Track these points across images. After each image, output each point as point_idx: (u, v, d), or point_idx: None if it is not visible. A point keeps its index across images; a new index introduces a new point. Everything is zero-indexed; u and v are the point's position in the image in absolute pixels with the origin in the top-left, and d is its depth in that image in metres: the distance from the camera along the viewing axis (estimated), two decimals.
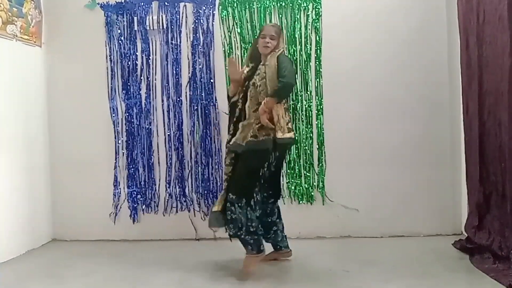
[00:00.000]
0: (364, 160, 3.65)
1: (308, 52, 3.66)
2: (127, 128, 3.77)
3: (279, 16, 3.66)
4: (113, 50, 3.77)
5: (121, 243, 3.70)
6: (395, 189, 3.64)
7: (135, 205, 3.76)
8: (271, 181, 2.95)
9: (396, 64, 3.63)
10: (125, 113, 3.77)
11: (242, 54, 3.67)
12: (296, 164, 3.69)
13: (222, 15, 3.71)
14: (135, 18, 3.73)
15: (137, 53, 3.76)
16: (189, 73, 3.74)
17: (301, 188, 3.68)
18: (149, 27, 3.72)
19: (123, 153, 3.78)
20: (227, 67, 3.06)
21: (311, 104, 3.67)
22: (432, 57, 3.63)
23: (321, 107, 3.67)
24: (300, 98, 3.66)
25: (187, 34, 3.74)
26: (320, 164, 3.68)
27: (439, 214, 3.63)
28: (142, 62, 3.76)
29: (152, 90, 3.76)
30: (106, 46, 3.77)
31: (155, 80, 3.76)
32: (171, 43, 3.74)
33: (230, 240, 2.92)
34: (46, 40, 3.81)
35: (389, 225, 3.63)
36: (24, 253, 3.45)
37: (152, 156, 3.76)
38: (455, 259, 3.04)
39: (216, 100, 3.72)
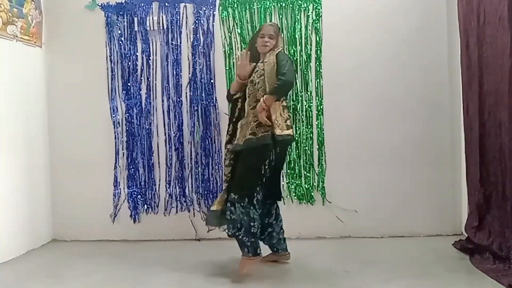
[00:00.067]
0: (364, 160, 3.65)
1: (309, 52, 3.66)
2: (127, 128, 3.77)
3: (279, 16, 3.67)
4: (114, 51, 3.77)
5: (121, 243, 3.70)
6: (395, 189, 3.64)
7: (135, 205, 3.76)
8: (270, 181, 2.93)
9: (396, 64, 3.63)
10: (125, 113, 3.77)
11: None
12: (296, 165, 3.69)
13: (222, 16, 3.71)
14: (136, 19, 3.73)
15: (137, 54, 3.76)
16: (189, 73, 3.74)
17: (301, 188, 3.68)
18: (150, 28, 3.72)
19: (123, 153, 3.78)
20: (238, 61, 3.03)
21: (311, 104, 3.68)
22: (432, 57, 3.64)
23: (321, 107, 3.67)
24: (300, 98, 3.66)
25: (187, 34, 3.74)
26: (320, 165, 3.69)
27: (439, 214, 3.63)
28: (142, 63, 3.76)
29: (152, 90, 3.77)
30: (106, 46, 3.77)
31: (155, 80, 3.76)
32: (172, 44, 3.74)
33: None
34: (47, 41, 3.81)
35: (389, 225, 3.63)
36: (24, 253, 3.45)
37: (152, 157, 3.76)
38: (455, 259, 3.04)
39: (216, 100, 3.72)
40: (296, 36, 3.66)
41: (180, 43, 3.74)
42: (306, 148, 3.68)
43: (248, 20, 3.69)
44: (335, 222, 3.64)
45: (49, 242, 3.78)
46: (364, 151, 3.65)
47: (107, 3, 3.75)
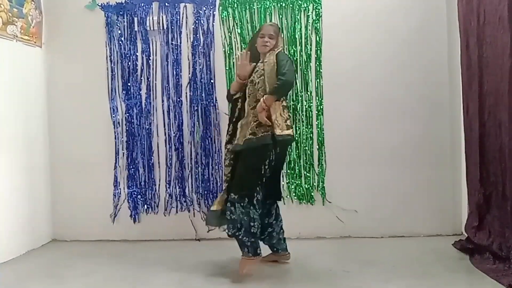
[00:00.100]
0: (364, 160, 3.65)
1: (308, 52, 3.66)
2: (127, 128, 3.77)
3: (279, 16, 3.67)
4: (114, 51, 3.77)
5: (121, 243, 3.70)
6: (395, 189, 3.64)
7: (135, 205, 3.76)
8: (270, 181, 2.92)
9: (396, 64, 3.63)
10: (125, 113, 3.77)
11: None
12: (296, 165, 3.69)
13: (222, 16, 3.71)
14: (135, 19, 3.73)
15: (137, 54, 3.76)
16: (189, 73, 3.74)
17: (301, 188, 3.68)
18: (150, 28, 3.72)
19: (123, 153, 3.78)
20: (238, 61, 3.03)
21: (311, 104, 3.68)
22: (432, 57, 3.64)
23: (321, 107, 3.67)
24: (300, 98, 3.66)
25: (187, 34, 3.74)
26: (320, 165, 3.69)
27: (439, 214, 3.63)
28: (142, 63, 3.76)
29: (152, 90, 3.77)
30: (106, 46, 3.77)
31: (155, 80, 3.76)
32: (172, 44, 3.74)
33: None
34: (47, 41, 3.81)
35: (389, 225, 3.64)
36: (24, 253, 3.45)
37: (152, 157, 3.76)
38: (455, 259, 3.04)
39: (216, 100, 3.72)
40: (296, 36, 3.65)
41: (180, 43, 3.74)
42: (306, 148, 3.68)
43: (248, 20, 3.69)
44: (335, 222, 3.64)
45: (49, 242, 3.78)
46: (364, 151, 3.65)
47: (107, 3, 3.75)
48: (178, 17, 3.73)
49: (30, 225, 3.56)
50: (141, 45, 3.76)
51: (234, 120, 2.96)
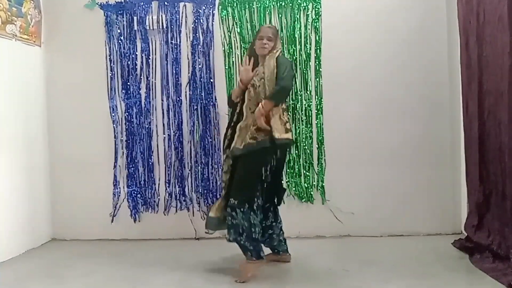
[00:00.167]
0: (364, 160, 3.65)
1: (308, 51, 3.66)
2: (126, 127, 3.77)
3: (278, 16, 3.66)
4: (113, 50, 3.76)
5: (121, 242, 3.70)
6: (395, 188, 3.64)
7: (135, 205, 3.76)
8: (270, 186, 2.91)
9: (396, 64, 3.63)
10: (124, 112, 3.77)
11: (242, 54, 3.67)
12: (295, 164, 3.69)
13: (222, 15, 3.70)
14: (135, 18, 3.72)
15: (136, 53, 3.75)
16: (188, 72, 3.73)
17: (300, 187, 3.68)
18: (149, 27, 3.71)
19: (123, 152, 3.78)
20: (240, 66, 3.01)
21: (310, 103, 3.68)
22: (432, 57, 3.64)
23: (321, 106, 3.67)
24: (299, 97, 3.66)
25: (187, 34, 3.74)
26: (320, 164, 3.69)
27: (439, 213, 3.63)
28: (141, 62, 3.76)
29: (152, 89, 3.76)
30: (105, 45, 3.76)
31: (155, 79, 3.76)
32: (171, 43, 3.73)
33: None
34: (46, 40, 3.81)
35: (389, 224, 3.64)
36: (23, 252, 3.45)
37: (152, 156, 3.76)
38: (455, 259, 3.05)
39: (216, 99, 3.72)
40: (296, 36, 3.65)
41: (180, 42, 3.73)
42: (306, 147, 3.68)
43: (248, 20, 3.69)
44: (334, 221, 3.64)
45: (48, 241, 3.78)
46: (364, 150, 3.65)
47: (106, 2, 3.74)
48: (178, 16, 3.73)
49: (30, 225, 3.56)
50: (140, 44, 3.75)
51: (232, 124, 2.92)
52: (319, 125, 3.68)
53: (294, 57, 3.65)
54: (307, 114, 3.68)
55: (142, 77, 3.77)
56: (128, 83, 3.76)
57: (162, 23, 3.72)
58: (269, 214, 2.99)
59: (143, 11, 3.72)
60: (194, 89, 3.74)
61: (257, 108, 2.74)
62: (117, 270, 3.03)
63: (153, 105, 3.76)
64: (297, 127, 3.66)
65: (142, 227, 3.77)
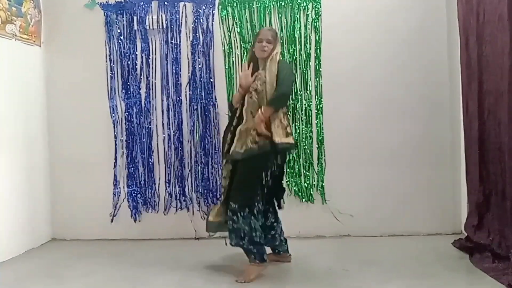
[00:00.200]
0: (364, 160, 3.65)
1: (308, 51, 3.66)
2: (127, 127, 3.77)
3: (278, 15, 3.66)
4: (113, 50, 3.76)
5: (121, 242, 3.70)
6: (395, 188, 3.64)
7: (135, 205, 3.76)
8: (271, 189, 2.91)
9: (396, 64, 3.63)
10: (125, 112, 3.77)
11: (242, 54, 3.67)
12: (295, 164, 3.69)
13: (221, 15, 3.70)
14: (135, 18, 3.72)
15: (136, 53, 3.75)
16: (188, 72, 3.73)
17: (301, 187, 3.68)
18: (149, 27, 3.71)
19: (123, 152, 3.78)
20: (240, 72, 2.99)
21: (310, 103, 3.68)
22: (432, 57, 3.64)
23: (321, 106, 3.67)
24: (299, 97, 3.66)
25: (186, 33, 3.74)
26: (320, 164, 3.69)
27: (439, 213, 3.63)
28: (141, 62, 3.76)
29: (152, 89, 3.76)
30: (105, 45, 3.76)
31: (155, 79, 3.76)
32: (171, 43, 3.73)
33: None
34: (46, 40, 3.81)
35: (389, 224, 3.64)
36: (23, 252, 3.45)
37: (152, 156, 3.76)
38: (455, 259, 3.05)
39: (216, 99, 3.72)
40: (296, 35, 3.65)
41: (180, 42, 3.73)
42: (306, 147, 3.68)
43: (248, 19, 3.68)
44: (334, 221, 3.64)
45: (48, 241, 3.78)
46: (364, 151, 3.65)
47: (106, 2, 3.74)
48: (178, 16, 3.72)
49: (30, 225, 3.56)
50: (140, 44, 3.75)
51: (232, 129, 2.89)
52: (319, 125, 3.68)
53: (294, 57, 3.65)
54: (307, 114, 3.68)
55: (142, 77, 3.77)
56: (128, 83, 3.76)
57: (162, 23, 3.72)
58: (269, 214, 2.99)
59: (143, 11, 3.72)
60: (194, 89, 3.73)
61: (256, 115, 2.72)
62: (117, 270, 3.03)
63: (153, 105, 3.76)
64: (297, 127, 3.66)
65: (142, 227, 3.77)
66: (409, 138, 3.63)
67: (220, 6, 3.70)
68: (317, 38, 3.66)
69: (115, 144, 3.77)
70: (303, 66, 3.66)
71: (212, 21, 3.71)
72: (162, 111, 3.75)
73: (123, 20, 3.75)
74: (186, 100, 3.75)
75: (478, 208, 3.12)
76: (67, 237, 3.80)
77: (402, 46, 3.63)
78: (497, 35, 2.79)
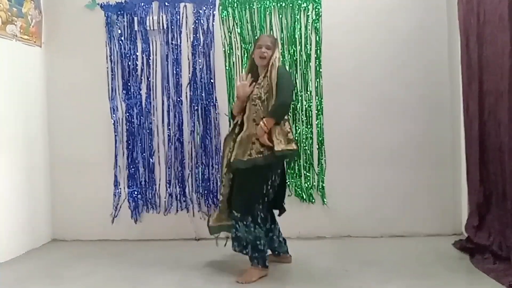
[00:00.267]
0: (364, 160, 3.65)
1: (308, 52, 3.66)
2: (127, 128, 3.77)
3: (279, 16, 3.66)
4: (114, 50, 3.77)
5: (121, 243, 3.70)
6: (395, 189, 3.64)
7: (135, 205, 3.76)
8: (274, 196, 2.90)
9: (396, 64, 3.63)
10: (125, 113, 3.77)
11: (242, 54, 3.68)
12: (296, 164, 3.69)
13: (222, 16, 3.71)
14: (135, 18, 3.73)
15: (137, 53, 3.76)
16: (189, 73, 3.74)
17: (301, 188, 3.68)
18: (150, 28, 3.72)
19: (123, 153, 3.78)
20: (237, 82, 2.98)
21: (311, 104, 3.67)
22: (433, 57, 3.64)
23: (321, 107, 3.67)
24: (300, 98, 3.66)
25: (187, 34, 3.74)
26: (320, 164, 3.68)
27: (439, 214, 3.63)
28: (142, 62, 3.76)
29: (153, 90, 3.77)
30: (106, 46, 3.77)
31: (156, 80, 3.76)
32: (172, 44, 3.74)
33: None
34: (46, 40, 3.81)
35: (389, 225, 3.63)
36: (24, 253, 3.45)
37: (153, 156, 3.76)
38: (455, 259, 3.04)
39: (216, 100, 3.72)
40: (296, 36, 3.65)
41: (180, 42, 3.74)
42: (306, 147, 3.67)
43: (248, 20, 3.69)
44: (335, 222, 3.64)
45: (49, 242, 3.78)
46: (364, 151, 3.65)
47: (107, 2, 3.75)
48: (178, 16, 3.73)
49: (30, 225, 3.56)
50: (141, 45, 3.76)
51: (234, 136, 2.85)
52: (319, 125, 3.67)
53: (295, 58, 3.65)
54: (308, 114, 3.67)
55: (142, 77, 3.77)
56: (129, 84, 3.76)
57: (163, 23, 3.72)
58: (268, 218, 2.98)
59: (144, 12, 3.73)
60: (194, 89, 3.74)
61: (258, 126, 2.71)
62: (117, 270, 3.03)
63: (153, 105, 3.76)
64: (297, 128, 3.66)
65: (142, 228, 3.77)
66: (409, 139, 3.63)
67: (220, 7, 3.71)
68: (317, 38, 3.66)
69: (116, 145, 3.77)
70: (304, 67, 3.66)
71: (213, 21, 3.72)
72: (163, 111, 3.76)
73: (124, 21, 3.76)
74: (187, 100, 3.75)
75: (479, 209, 3.12)
76: (67, 238, 3.81)
77: (402, 46, 3.63)
78: (497, 35, 2.79)
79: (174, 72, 3.74)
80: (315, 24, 3.65)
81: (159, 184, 3.77)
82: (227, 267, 3.02)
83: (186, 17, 3.73)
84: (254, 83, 2.85)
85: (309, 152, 3.68)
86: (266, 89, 2.78)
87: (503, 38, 2.71)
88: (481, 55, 3.00)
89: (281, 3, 3.65)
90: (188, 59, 3.73)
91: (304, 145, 3.67)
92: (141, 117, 3.76)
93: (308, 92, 3.67)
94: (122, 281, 2.84)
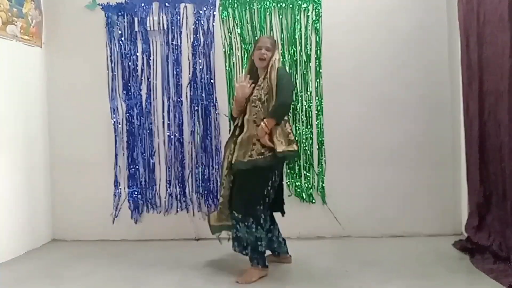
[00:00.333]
0: (364, 160, 3.65)
1: (308, 52, 3.67)
2: (127, 128, 3.77)
3: (279, 17, 3.67)
4: (114, 51, 3.77)
5: (121, 243, 3.70)
6: (396, 189, 3.64)
7: (135, 205, 3.76)
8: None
9: (396, 64, 3.63)
10: (125, 113, 3.78)
11: (242, 55, 3.68)
12: (296, 164, 3.69)
13: (222, 16, 3.71)
14: (136, 19, 3.74)
15: (137, 54, 3.76)
16: (189, 73, 3.74)
17: (301, 188, 3.68)
18: (150, 28, 3.72)
19: (124, 153, 3.78)
20: (236, 83, 2.98)
21: (311, 104, 3.68)
22: (433, 57, 3.64)
23: (321, 107, 3.67)
24: (300, 98, 3.66)
25: (187, 35, 3.74)
26: (320, 164, 3.68)
27: (440, 214, 3.63)
28: (142, 63, 3.77)
29: (153, 90, 3.77)
30: (106, 46, 3.77)
31: (156, 80, 3.76)
32: (172, 44, 3.74)
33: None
34: (46, 41, 3.82)
35: (389, 225, 3.63)
36: (24, 253, 3.45)
37: (153, 156, 3.76)
38: (455, 259, 3.04)
39: (216, 100, 3.72)
40: (296, 37, 3.66)
41: (180, 43, 3.74)
42: (306, 148, 3.68)
43: (248, 21, 3.69)
44: (335, 222, 3.64)
45: (49, 242, 3.78)
46: (364, 151, 3.65)
47: (107, 3, 3.75)
48: (178, 17, 3.73)
49: (30, 225, 3.56)
50: (141, 45, 3.76)
51: (235, 138, 2.85)
52: (319, 126, 3.68)
53: (295, 58, 3.66)
54: (308, 115, 3.68)
55: (143, 78, 3.78)
56: (129, 84, 3.76)
57: (163, 24, 3.73)
58: (267, 218, 2.97)
59: (144, 12, 3.73)
60: (194, 90, 3.74)
61: (259, 127, 2.71)
62: (117, 270, 3.03)
63: (154, 106, 3.77)
64: (297, 128, 3.66)
65: (142, 228, 3.77)
66: (410, 139, 3.63)
67: (220, 7, 3.71)
68: (317, 39, 3.66)
69: (116, 145, 3.77)
70: (304, 67, 3.66)
71: (213, 22, 3.72)
72: (163, 112, 3.76)
73: (124, 21, 3.77)
74: (187, 101, 3.75)
75: (479, 209, 3.12)
76: (67, 238, 3.81)
77: (402, 46, 3.63)
78: (497, 35, 2.80)
79: (174, 72, 3.75)
80: (315, 25, 3.66)
81: (159, 184, 3.77)
82: (227, 267, 3.02)
83: (186, 18, 3.74)
84: (253, 84, 2.85)
85: (309, 153, 3.68)
86: (266, 91, 2.78)
87: (503, 38, 2.71)
88: (481, 55, 3.01)
89: (281, 3, 3.65)
90: (188, 59, 3.74)
91: (304, 145, 3.67)
92: (141, 118, 3.76)
93: (308, 93, 3.67)
94: (122, 281, 2.84)
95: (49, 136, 3.84)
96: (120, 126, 3.77)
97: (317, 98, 3.68)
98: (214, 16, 3.72)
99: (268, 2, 3.66)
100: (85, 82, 3.80)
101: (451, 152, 3.63)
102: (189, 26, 3.74)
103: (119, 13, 3.75)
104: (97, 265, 3.13)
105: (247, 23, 3.69)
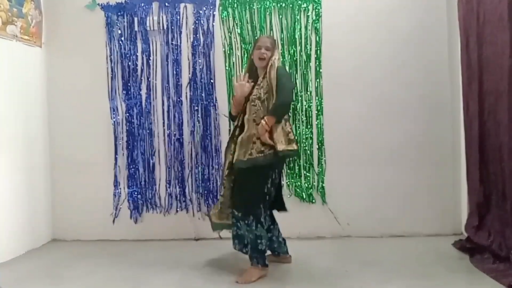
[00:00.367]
0: (364, 160, 3.65)
1: (308, 52, 3.66)
2: (127, 128, 3.77)
3: (279, 17, 3.66)
4: (114, 51, 3.77)
5: (121, 243, 3.70)
6: (395, 189, 3.64)
7: (135, 205, 3.76)
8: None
9: (396, 64, 3.63)
10: (125, 113, 3.78)
11: (242, 55, 3.68)
12: (296, 164, 3.69)
13: (222, 16, 3.71)
14: (136, 19, 3.73)
15: (137, 54, 3.76)
16: (189, 73, 3.74)
17: (301, 188, 3.68)
18: (150, 28, 3.72)
19: (123, 153, 3.78)
20: (236, 82, 2.98)
21: (311, 104, 3.68)
22: (433, 57, 3.64)
23: (321, 107, 3.67)
24: (300, 98, 3.66)
25: (187, 34, 3.74)
26: (320, 164, 3.68)
27: (440, 214, 3.63)
28: (142, 63, 3.76)
29: (153, 90, 3.77)
30: (106, 46, 3.77)
31: (156, 80, 3.76)
32: (172, 44, 3.74)
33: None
34: (46, 41, 3.82)
35: (389, 225, 3.63)
36: (24, 253, 3.45)
37: (153, 156, 3.76)
38: (455, 259, 3.04)
39: (216, 100, 3.72)
40: (296, 36, 3.65)
41: (180, 43, 3.74)
42: (306, 148, 3.68)
43: (248, 20, 3.69)
44: (335, 222, 3.64)
45: (49, 242, 3.78)
46: (364, 151, 3.65)
47: (107, 3, 3.75)
48: (178, 17, 3.73)
49: (30, 225, 3.56)
50: (141, 45, 3.76)
51: (235, 138, 2.85)
52: (319, 125, 3.68)
53: (295, 58, 3.65)
54: (308, 115, 3.68)
55: (142, 78, 3.77)
56: (129, 84, 3.76)
57: (163, 24, 3.73)
58: (266, 218, 2.96)
59: (144, 12, 3.73)
60: (194, 90, 3.74)
61: (260, 125, 2.71)
62: (117, 270, 3.03)
63: (153, 105, 3.77)
64: (297, 128, 3.66)
65: (142, 228, 3.77)
66: (410, 138, 3.63)
67: (220, 7, 3.71)
68: (317, 39, 3.66)
69: (116, 145, 3.77)
70: (304, 67, 3.66)
71: (213, 22, 3.72)
72: (163, 112, 3.76)
73: (124, 21, 3.76)
74: (187, 101, 3.75)
75: (479, 209, 3.12)
76: (67, 238, 3.81)
77: (402, 46, 3.63)
78: (497, 35, 2.80)
79: (174, 72, 3.75)
80: (315, 25, 3.66)
81: (159, 184, 3.77)
82: (227, 267, 3.02)
83: (186, 18, 3.74)
84: (252, 83, 2.85)
85: (309, 152, 3.68)
86: (266, 90, 2.78)
87: (503, 38, 2.71)
88: (481, 55, 3.01)
89: (281, 3, 3.65)
90: (188, 59, 3.74)
91: (304, 145, 3.67)
92: (141, 117, 3.76)
93: (308, 92, 3.67)
94: (122, 281, 2.83)
95: (49, 136, 3.84)
96: (120, 126, 3.77)
97: (317, 98, 3.68)
98: (214, 16, 3.72)
99: (268, 2, 3.66)
100: (85, 82, 3.80)
101: (451, 152, 3.63)
102: (189, 26, 3.74)
103: (119, 13, 3.75)
104: (97, 265, 3.13)
105: (247, 23, 3.69)
